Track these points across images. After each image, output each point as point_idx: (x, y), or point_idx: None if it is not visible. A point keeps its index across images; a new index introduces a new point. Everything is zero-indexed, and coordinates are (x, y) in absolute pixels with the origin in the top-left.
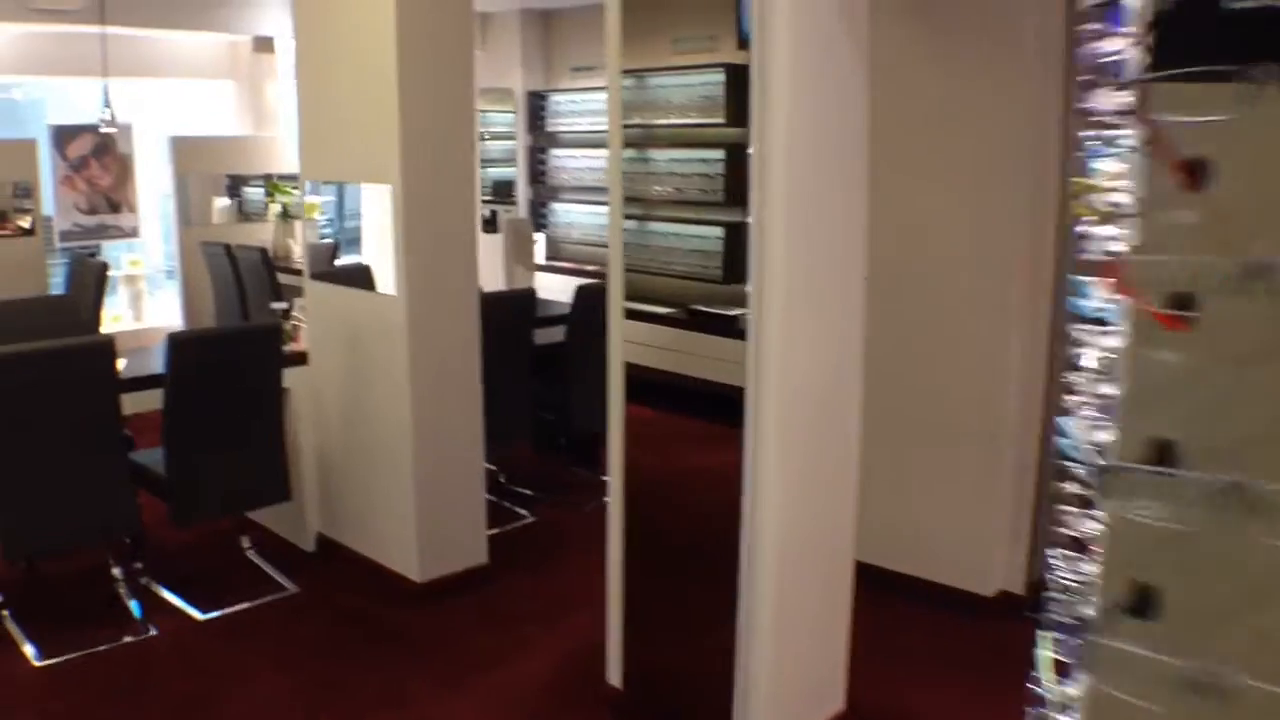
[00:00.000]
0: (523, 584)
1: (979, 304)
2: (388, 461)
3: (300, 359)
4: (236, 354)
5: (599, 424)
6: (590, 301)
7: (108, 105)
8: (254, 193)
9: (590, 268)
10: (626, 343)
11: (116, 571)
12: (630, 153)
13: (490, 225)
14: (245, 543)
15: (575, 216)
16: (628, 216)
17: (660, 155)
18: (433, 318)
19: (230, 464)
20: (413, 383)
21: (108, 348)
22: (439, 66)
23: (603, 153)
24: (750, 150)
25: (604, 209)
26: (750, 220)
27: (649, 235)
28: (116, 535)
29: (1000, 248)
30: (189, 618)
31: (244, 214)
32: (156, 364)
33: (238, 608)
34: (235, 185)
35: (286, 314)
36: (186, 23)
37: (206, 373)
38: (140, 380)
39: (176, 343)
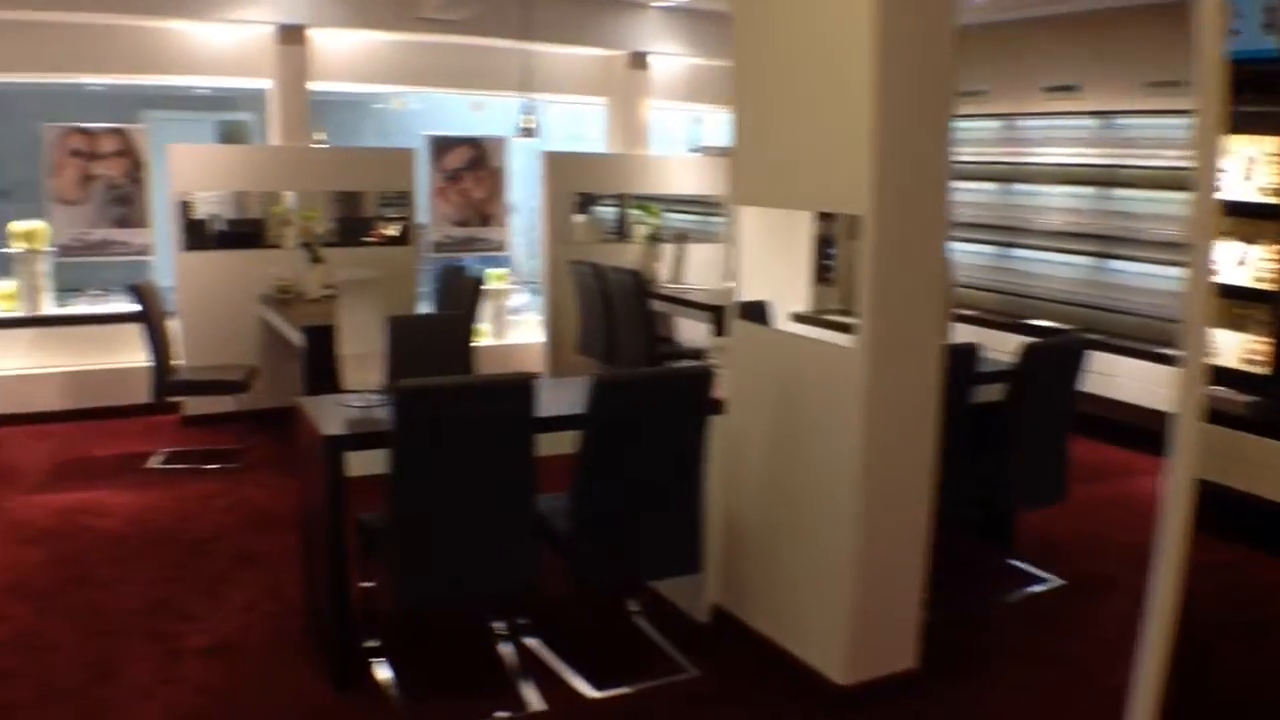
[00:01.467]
0: (956, 695)
1: None
2: (817, 538)
3: (716, 408)
4: (663, 402)
5: (1042, 501)
6: (1044, 362)
7: (528, 113)
8: (608, 212)
9: (968, 311)
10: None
11: (498, 625)
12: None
13: None
14: (633, 606)
15: (957, 255)
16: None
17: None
18: (893, 375)
19: (644, 524)
20: (865, 450)
21: (528, 386)
22: (918, 82)
23: (986, 186)
24: None
25: (989, 249)
26: None
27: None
28: (516, 595)
29: None
30: (578, 694)
31: (601, 233)
32: (558, 402)
33: (632, 688)
34: (585, 203)
35: (698, 354)
36: (566, 38)
37: (629, 419)
38: (556, 421)
39: (602, 385)
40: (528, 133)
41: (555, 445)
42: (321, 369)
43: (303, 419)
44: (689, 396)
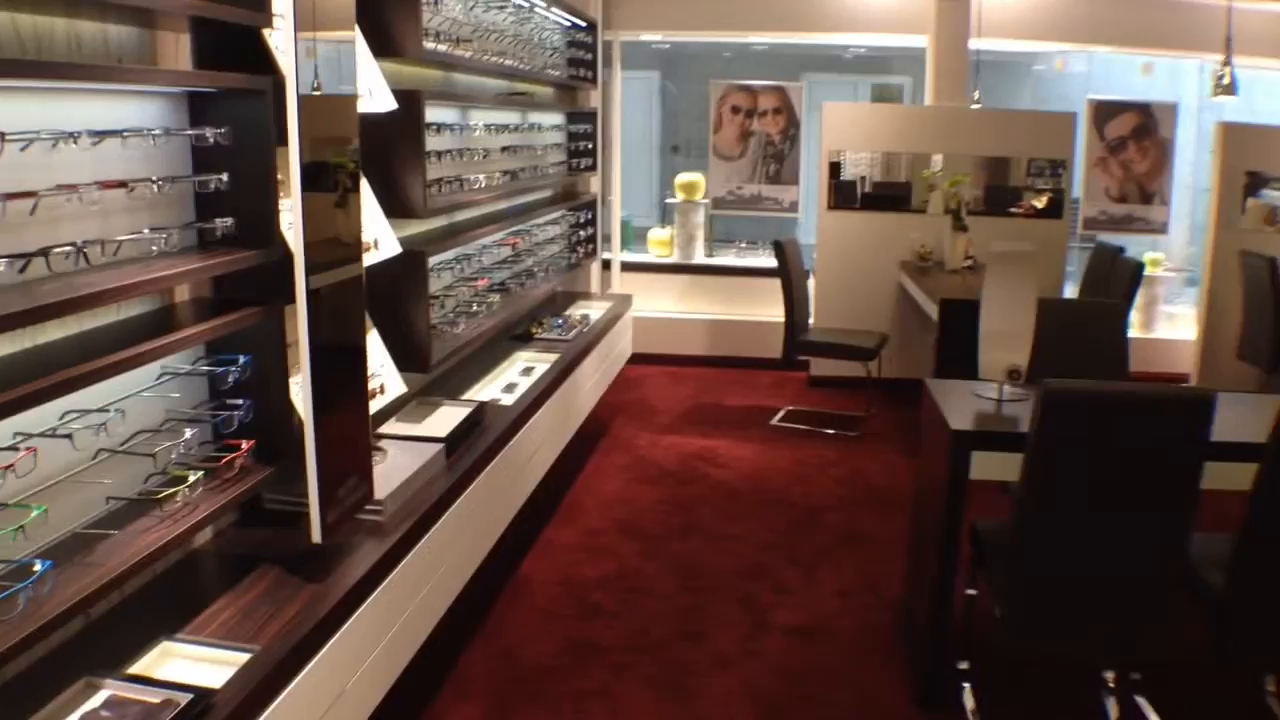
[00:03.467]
0: None
1: None
2: None
3: None
4: None
5: None
6: None
7: (1228, 64)
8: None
9: None
10: None
11: (1108, 676)
12: None
13: None
14: (1269, 684)
15: None
16: None
17: None
18: None
19: None
20: None
21: (1206, 404)
22: None
23: None
24: None
25: None
26: None
27: None
28: (1143, 650)
29: None
30: None
31: (1275, 220)
32: (1231, 424)
33: None
34: (1254, 185)
35: None
36: None
37: None
38: (1230, 448)
39: None
40: (1225, 90)
41: (1221, 479)
42: (956, 347)
43: (929, 402)
44: None
